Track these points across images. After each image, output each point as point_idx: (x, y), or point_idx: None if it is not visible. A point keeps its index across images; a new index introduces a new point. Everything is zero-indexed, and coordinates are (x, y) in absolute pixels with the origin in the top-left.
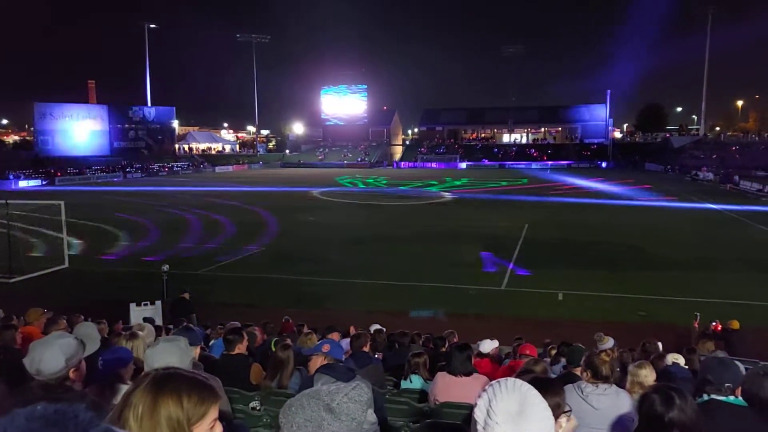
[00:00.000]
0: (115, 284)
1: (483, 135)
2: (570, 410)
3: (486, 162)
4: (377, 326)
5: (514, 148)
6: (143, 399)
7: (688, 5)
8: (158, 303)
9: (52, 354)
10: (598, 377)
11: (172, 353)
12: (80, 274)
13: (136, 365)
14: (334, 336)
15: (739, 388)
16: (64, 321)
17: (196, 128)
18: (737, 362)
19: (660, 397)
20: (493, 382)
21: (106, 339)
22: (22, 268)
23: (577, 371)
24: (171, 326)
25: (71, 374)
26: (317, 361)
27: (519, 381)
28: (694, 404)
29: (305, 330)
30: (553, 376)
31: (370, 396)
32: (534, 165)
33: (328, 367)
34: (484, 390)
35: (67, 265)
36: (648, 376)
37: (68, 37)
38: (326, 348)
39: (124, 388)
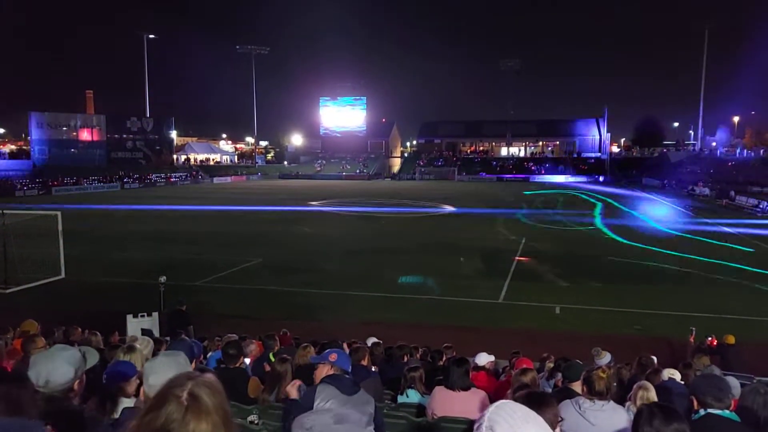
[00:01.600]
0: (111, 295)
1: (481, 148)
2: (562, 419)
3: (484, 175)
4: (374, 339)
5: (511, 162)
6: (201, 418)
7: (685, 21)
8: (155, 314)
9: (60, 365)
10: (593, 393)
11: (171, 368)
12: (77, 285)
13: (140, 379)
14: (308, 351)
15: (733, 403)
16: (43, 339)
17: (194, 139)
18: (730, 376)
19: (646, 414)
20: (499, 407)
21: (101, 351)
22: (17, 279)
23: (576, 386)
24: (167, 338)
25: (75, 386)
26: (323, 370)
27: (525, 409)
28: (684, 423)
29: (303, 344)
30: (548, 391)
31: (371, 413)
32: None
33: (334, 378)
34: (495, 420)
35: (63, 275)
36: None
37: (67, 47)
38: (333, 357)
39: (126, 402)
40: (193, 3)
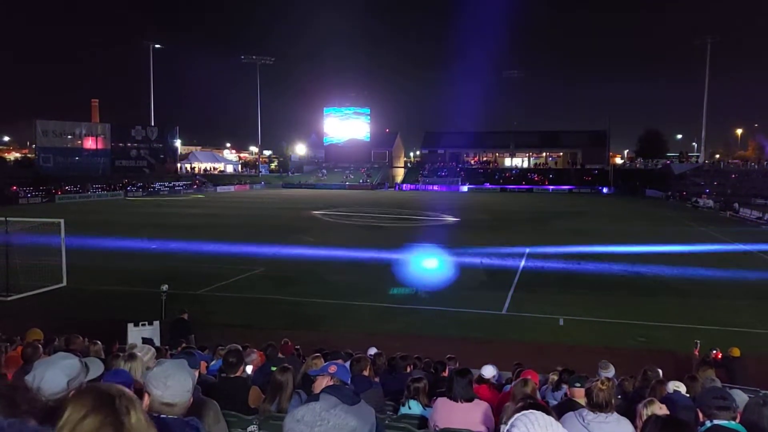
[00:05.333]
0: (113, 304)
1: (485, 158)
2: None
3: (488, 185)
4: (375, 349)
5: (514, 172)
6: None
7: (688, 34)
8: (156, 323)
9: (54, 373)
10: (593, 405)
11: (183, 371)
12: (78, 293)
13: (136, 387)
14: (317, 362)
15: (739, 415)
16: (40, 348)
17: (198, 148)
18: (737, 390)
19: (652, 425)
20: (525, 414)
21: (102, 360)
22: (19, 286)
23: (579, 398)
24: (167, 347)
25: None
26: (323, 382)
27: (549, 418)
28: None
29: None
30: (554, 402)
31: (373, 423)
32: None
33: (334, 389)
34: (515, 425)
35: (65, 283)
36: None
37: (73, 57)
38: (333, 369)
39: None
40: (199, 14)
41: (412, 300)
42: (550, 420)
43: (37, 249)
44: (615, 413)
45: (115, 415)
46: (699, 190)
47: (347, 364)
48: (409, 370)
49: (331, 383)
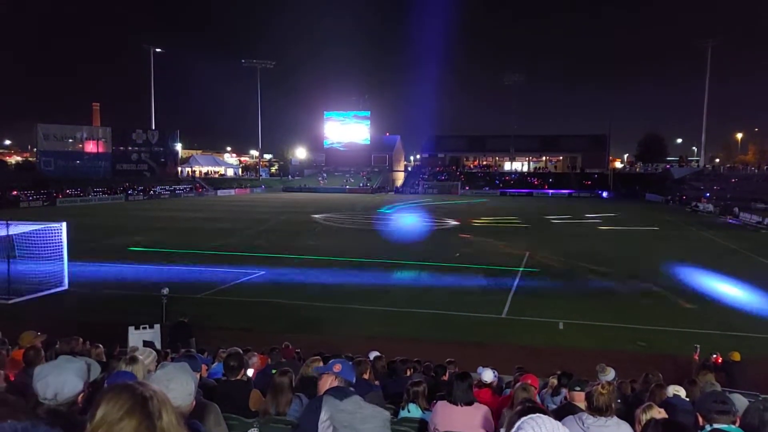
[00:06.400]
0: (114, 307)
1: (485, 162)
2: None
3: (488, 189)
4: (376, 353)
5: (514, 176)
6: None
7: (689, 38)
8: (157, 327)
9: (69, 377)
10: (593, 409)
11: (186, 374)
12: (80, 297)
13: None
14: (315, 365)
15: (738, 419)
16: (41, 351)
17: (199, 152)
18: (737, 394)
19: (651, 430)
20: (531, 418)
21: (104, 363)
22: (20, 290)
23: (579, 402)
24: (168, 350)
25: (79, 399)
26: (327, 381)
27: (556, 422)
28: None
29: (312, 357)
30: (553, 407)
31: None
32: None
33: (338, 390)
34: (522, 428)
35: (66, 287)
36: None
37: (74, 60)
38: (338, 368)
39: None
40: (200, 17)
41: (412, 301)
42: (557, 424)
43: (39, 252)
44: (615, 417)
45: (149, 419)
46: (699, 194)
47: None
48: (408, 373)
49: (336, 382)
